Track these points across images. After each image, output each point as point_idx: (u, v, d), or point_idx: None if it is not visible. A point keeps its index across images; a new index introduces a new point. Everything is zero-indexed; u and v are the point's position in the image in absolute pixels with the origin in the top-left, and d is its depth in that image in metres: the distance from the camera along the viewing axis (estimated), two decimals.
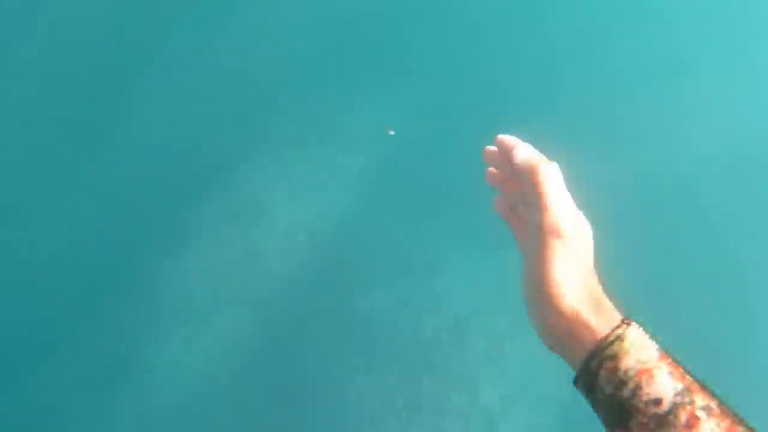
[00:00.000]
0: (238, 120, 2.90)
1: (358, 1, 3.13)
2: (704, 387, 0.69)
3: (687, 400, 0.62)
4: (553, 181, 0.74)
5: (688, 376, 0.69)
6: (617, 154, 2.78)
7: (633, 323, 0.73)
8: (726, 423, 0.65)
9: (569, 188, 0.83)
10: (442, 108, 2.95)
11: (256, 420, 2.53)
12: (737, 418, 0.67)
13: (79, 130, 2.86)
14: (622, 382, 0.64)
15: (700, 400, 0.66)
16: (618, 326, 0.67)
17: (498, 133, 0.89)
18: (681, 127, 2.98)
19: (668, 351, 0.73)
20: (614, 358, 0.65)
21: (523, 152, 0.78)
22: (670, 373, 0.64)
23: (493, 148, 0.92)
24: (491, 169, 0.94)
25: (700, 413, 0.62)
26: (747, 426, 0.67)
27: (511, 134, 0.88)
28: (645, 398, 0.62)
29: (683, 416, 0.61)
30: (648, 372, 0.63)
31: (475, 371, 2.62)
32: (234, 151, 2.85)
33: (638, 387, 0.63)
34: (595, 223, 0.82)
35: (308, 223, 2.79)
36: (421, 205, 2.85)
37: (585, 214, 0.83)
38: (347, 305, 2.64)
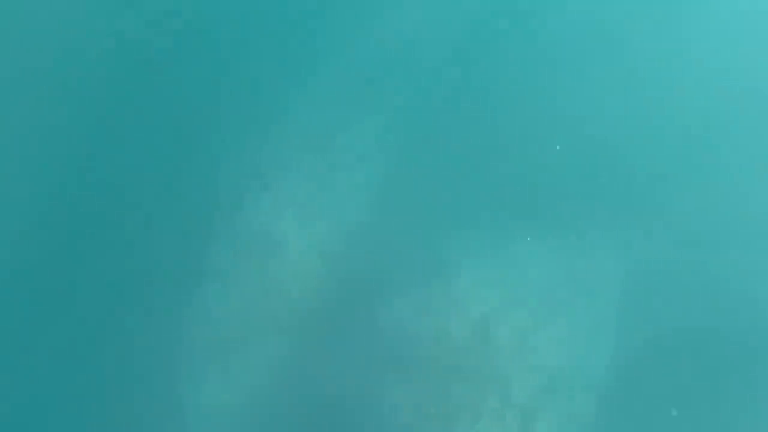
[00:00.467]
0: (234, 157, 2.90)
1: (336, 20, 3.14)
2: None
3: None
4: None
5: None
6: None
7: None
8: None
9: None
10: (441, 115, 2.95)
11: None
12: None
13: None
14: None
15: None
16: None
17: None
18: None
19: None
20: None
21: None
22: None
23: None
24: None
25: None
26: None
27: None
28: None
29: None
30: None
31: (504, 369, 2.60)
32: (235, 188, 2.86)
33: None
34: None
35: (319, 244, 2.79)
36: (427, 210, 2.84)
37: None
38: (370, 320, 2.64)
